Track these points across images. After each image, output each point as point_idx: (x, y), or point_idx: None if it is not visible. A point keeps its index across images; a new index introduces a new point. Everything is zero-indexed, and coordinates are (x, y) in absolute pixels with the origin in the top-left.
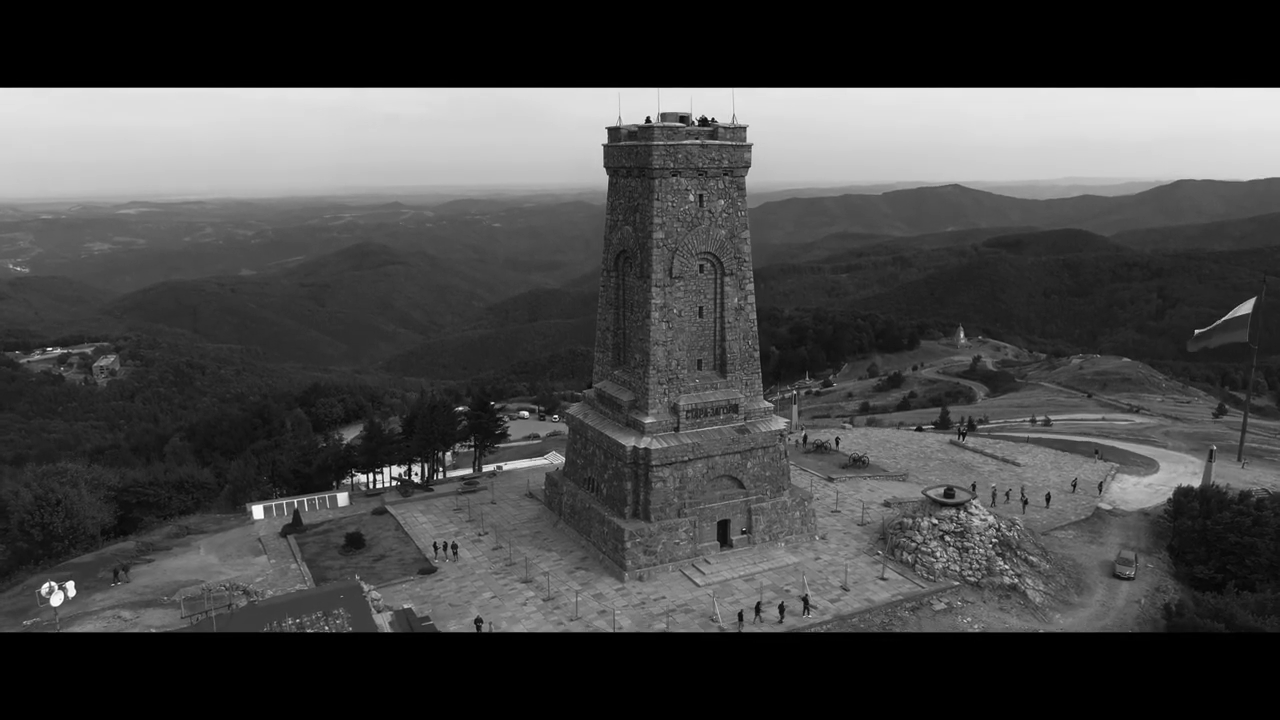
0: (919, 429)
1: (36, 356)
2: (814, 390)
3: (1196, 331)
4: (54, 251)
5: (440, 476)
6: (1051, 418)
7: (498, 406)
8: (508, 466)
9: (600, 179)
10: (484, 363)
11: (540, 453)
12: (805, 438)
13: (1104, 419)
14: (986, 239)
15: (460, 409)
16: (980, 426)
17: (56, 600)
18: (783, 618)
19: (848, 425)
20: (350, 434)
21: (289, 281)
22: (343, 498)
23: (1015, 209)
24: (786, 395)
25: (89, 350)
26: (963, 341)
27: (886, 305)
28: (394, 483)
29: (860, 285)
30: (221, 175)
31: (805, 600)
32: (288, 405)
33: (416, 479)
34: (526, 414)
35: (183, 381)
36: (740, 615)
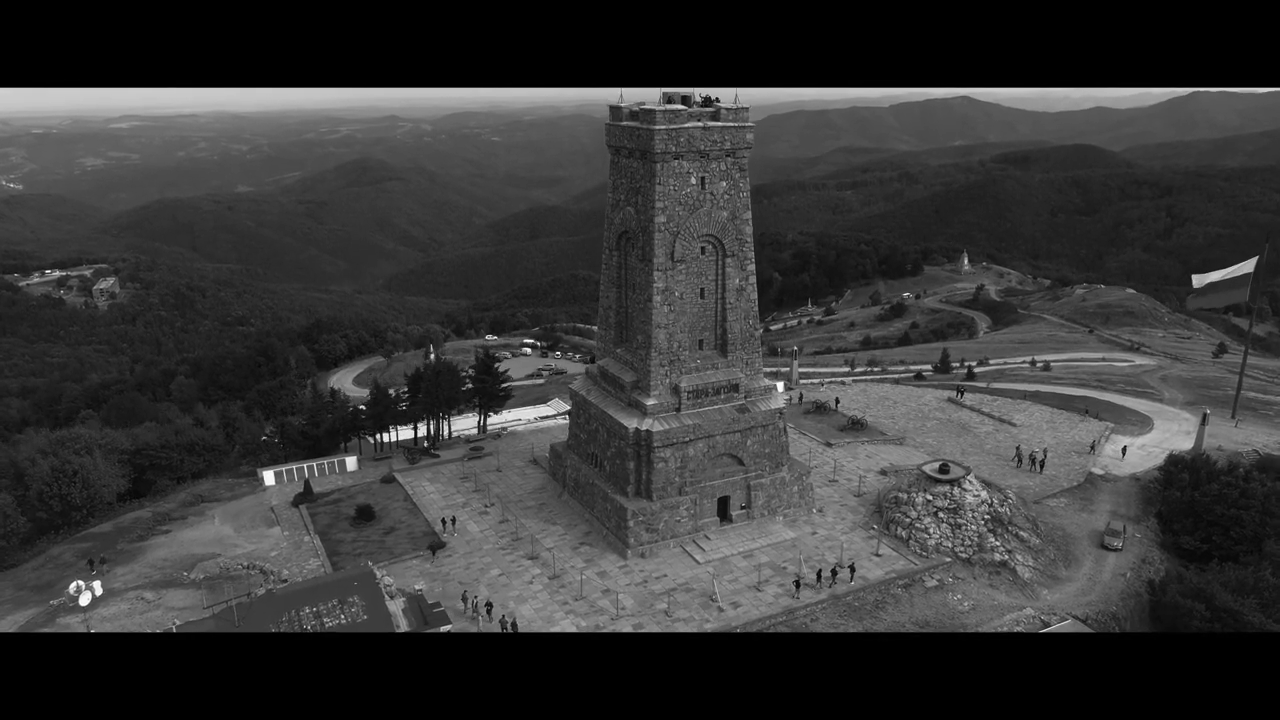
0: (919, 376)
1: (36, 279)
2: (816, 319)
3: (1195, 283)
4: (47, 167)
5: (446, 435)
6: (1052, 361)
7: (499, 344)
8: (511, 417)
9: (601, 93)
10: (484, 282)
11: (543, 398)
12: (801, 396)
13: (1104, 359)
14: (994, 155)
15: (465, 373)
16: (979, 370)
17: (85, 600)
18: (834, 581)
19: (846, 381)
20: (353, 373)
21: (286, 198)
22: (351, 462)
23: (1025, 122)
24: (788, 325)
25: (88, 272)
26: (966, 268)
27: (891, 224)
28: (399, 449)
29: (865, 202)
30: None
31: (851, 567)
32: (290, 342)
33: (423, 439)
34: (529, 350)
35: (183, 305)
36: (797, 584)
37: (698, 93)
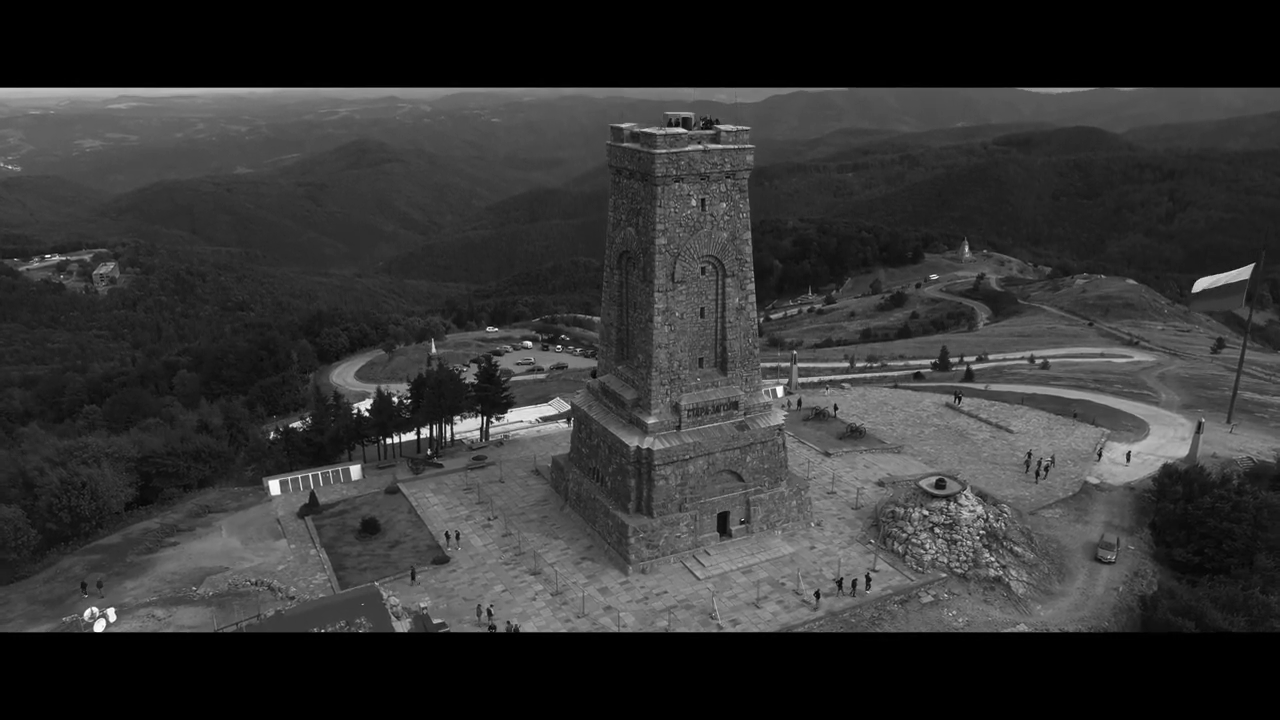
0: (918, 376)
1: (35, 265)
2: (816, 308)
3: (1195, 289)
4: (45, 149)
5: (449, 439)
6: (1051, 357)
7: (500, 336)
8: (514, 419)
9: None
10: (484, 265)
11: (544, 397)
12: (800, 402)
13: (1103, 355)
14: (996, 137)
15: (469, 380)
16: (977, 368)
17: (99, 627)
18: (854, 589)
19: (846, 385)
20: (354, 367)
21: (285, 180)
22: (355, 470)
23: (1028, 102)
24: (789, 314)
25: (88, 257)
26: (967, 256)
27: (893, 208)
28: (403, 458)
29: (866, 185)
30: None
31: (867, 577)
32: (292, 335)
33: (426, 441)
34: (530, 344)
35: (184, 290)
36: (817, 595)
37: (697, 107)
